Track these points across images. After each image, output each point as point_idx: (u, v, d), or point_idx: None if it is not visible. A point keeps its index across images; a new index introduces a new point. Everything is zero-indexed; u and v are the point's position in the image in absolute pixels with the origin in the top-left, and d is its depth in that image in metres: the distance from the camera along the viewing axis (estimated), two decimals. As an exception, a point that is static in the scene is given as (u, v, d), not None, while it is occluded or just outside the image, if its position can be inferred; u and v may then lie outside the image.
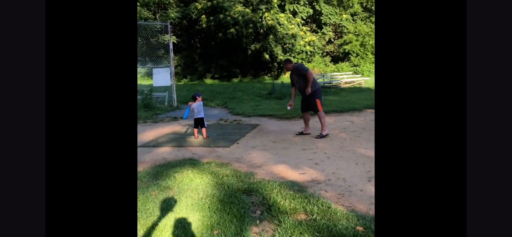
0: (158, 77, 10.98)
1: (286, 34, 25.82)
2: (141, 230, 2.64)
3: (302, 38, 27.11)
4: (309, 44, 27.32)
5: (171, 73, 11.05)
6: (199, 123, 6.34)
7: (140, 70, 24.01)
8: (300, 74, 6.43)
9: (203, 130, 6.37)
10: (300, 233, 2.55)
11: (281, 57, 25.95)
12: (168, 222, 2.76)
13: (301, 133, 6.60)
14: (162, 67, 11.51)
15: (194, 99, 6.38)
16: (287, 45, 26.69)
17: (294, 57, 27.57)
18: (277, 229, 2.65)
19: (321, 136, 6.23)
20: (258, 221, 2.80)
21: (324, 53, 30.01)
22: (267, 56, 24.92)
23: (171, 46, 11.14)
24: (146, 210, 3.00)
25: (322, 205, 3.01)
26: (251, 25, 24.08)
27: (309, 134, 6.53)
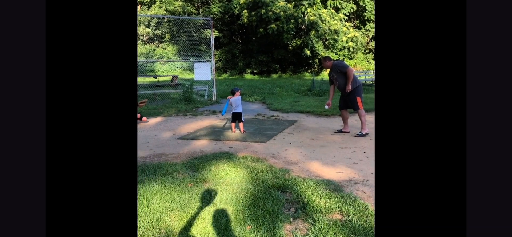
0: (199, 71, 11.18)
1: (328, 30, 25.33)
2: (175, 221, 2.69)
3: (345, 34, 26.46)
4: (351, 40, 26.63)
5: (211, 68, 11.21)
6: (236, 117, 6.37)
7: (182, 64, 24.68)
8: (340, 72, 6.24)
9: (241, 124, 6.39)
10: (335, 233, 2.47)
11: (322, 54, 25.53)
12: (202, 214, 2.78)
13: (339, 131, 6.44)
14: (203, 61, 11.70)
15: (233, 94, 6.42)
16: (329, 41, 26.19)
17: (335, 54, 27.02)
18: (311, 228, 2.59)
19: (360, 135, 6.04)
20: (291, 219, 2.75)
21: (367, 50, 29.14)
22: (308, 52, 24.62)
23: (212, 41, 11.29)
24: (181, 201, 3.05)
25: (359, 206, 2.90)
26: (292, 21, 23.89)
27: (348, 132, 6.35)
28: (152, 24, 28.17)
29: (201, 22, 23.37)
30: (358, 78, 6.60)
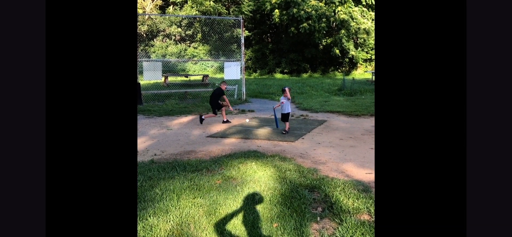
0: (229, 71, 11.30)
1: (359, 28, 24.83)
2: (203, 216, 2.75)
3: (377, 32, 25.80)
4: (384, 39, 25.92)
5: (241, 67, 11.30)
6: (285, 117, 6.35)
7: (213, 63, 25.03)
8: None
9: (286, 124, 6.39)
10: (362, 234, 2.44)
11: (353, 53, 25.05)
12: (229, 211, 2.83)
13: None
14: (233, 61, 11.81)
15: (284, 92, 6.41)
16: (360, 40, 25.66)
17: (367, 53, 26.45)
18: (338, 228, 2.57)
19: (392, 136, 5.90)
20: (318, 218, 2.74)
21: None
22: (337, 51, 24.23)
23: (242, 40, 11.38)
24: (210, 197, 3.11)
25: (388, 208, 2.84)
26: (324, 20, 23.59)
27: None
28: (183, 24, 28.75)
29: (231, 21, 23.57)
30: None
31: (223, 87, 7.90)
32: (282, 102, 6.37)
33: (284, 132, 6.29)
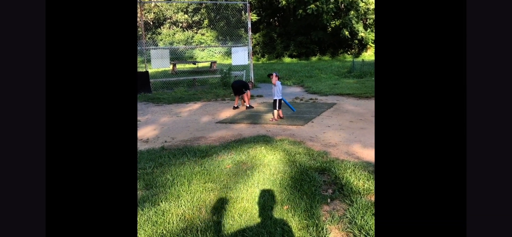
0: (236, 56, 11.25)
1: (368, 9, 24.39)
2: (214, 200, 2.78)
3: (387, 12, 25.33)
4: (394, 19, 25.45)
5: (249, 52, 11.24)
6: (274, 104, 6.29)
7: (220, 49, 24.95)
8: None
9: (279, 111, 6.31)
10: (373, 214, 2.43)
11: (362, 34, 24.68)
12: (239, 195, 2.85)
13: None
14: (240, 46, 11.74)
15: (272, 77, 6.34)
16: (369, 20, 25.23)
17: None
18: (348, 209, 2.57)
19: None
20: (329, 200, 2.75)
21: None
22: (346, 33, 23.89)
23: (249, 25, 11.29)
24: (220, 181, 3.14)
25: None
26: (332, 0, 23.22)
27: None
28: (190, 11, 28.61)
29: (238, 6, 23.37)
30: None
31: (251, 86, 8.02)
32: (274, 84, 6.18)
33: (270, 120, 6.09)
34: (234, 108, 7.53)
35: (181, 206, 2.71)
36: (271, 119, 6.16)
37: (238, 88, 7.67)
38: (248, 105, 7.50)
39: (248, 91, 7.64)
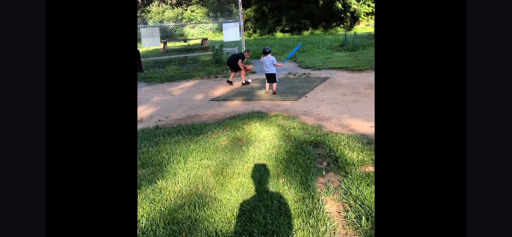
0: (228, 32, 11.13)
1: (361, -20, 24.09)
2: (211, 177, 2.81)
3: (379, -17, 25.03)
4: (386, -10, 25.19)
5: (240, 28, 11.11)
6: (270, 77, 6.33)
7: (211, 26, 24.59)
8: None
9: (274, 84, 6.35)
10: (367, 184, 2.48)
11: (355, 7, 24.45)
12: (236, 170, 2.88)
13: None
14: (231, 22, 11.58)
15: (265, 53, 6.39)
16: (362, -8, 24.95)
17: (368, 6, 25.81)
18: (343, 180, 2.62)
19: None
20: (324, 172, 2.79)
21: None
22: (339, 5, 23.64)
23: (239, 0, 11.11)
24: (216, 158, 3.16)
25: (393, 159, 2.88)
26: (323, -27, 22.86)
27: None
28: (179, -13, 28.03)
29: (228, -19, 22.94)
30: None
31: (246, 55, 8.08)
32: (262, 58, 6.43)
33: (271, 92, 6.31)
34: (228, 82, 7.52)
35: (178, 183, 2.73)
36: (266, 92, 6.34)
37: (233, 63, 7.64)
38: (244, 81, 7.48)
39: (246, 65, 7.65)
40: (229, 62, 7.86)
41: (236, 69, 7.62)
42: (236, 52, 11.36)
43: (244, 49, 11.25)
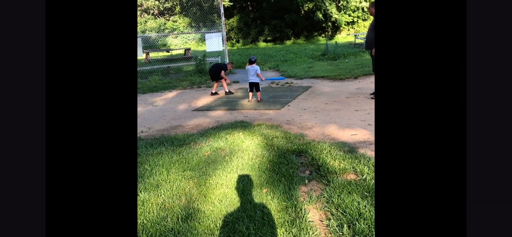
0: (211, 42, 11.15)
1: (341, -10, 24.59)
2: (194, 188, 2.79)
3: (358, -7, 25.63)
4: (365, 0, 25.81)
5: (223, 38, 11.15)
6: (253, 86, 6.39)
7: (194, 36, 24.58)
8: (374, 26, 5.90)
9: (258, 93, 6.42)
10: (349, 192, 2.52)
11: (336, 16, 24.90)
12: (219, 181, 2.87)
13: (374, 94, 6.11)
14: (214, 32, 11.61)
15: (251, 62, 6.46)
16: (342, 2, 25.47)
17: (349, 15, 26.34)
18: (325, 188, 2.65)
19: (376, 97, 5.96)
20: (306, 181, 2.82)
21: (382, 9, 28.18)
22: (320, 15, 24.04)
23: (222, 10, 11.17)
24: (199, 169, 3.15)
25: (373, 165, 2.93)
26: (304, -17, 23.24)
27: None
28: (161, -3, 27.96)
29: (210, -9, 23.05)
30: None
31: (230, 67, 8.15)
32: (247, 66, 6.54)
33: (255, 100, 6.44)
34: (212, 94, 7.50)
35: (160, 195, 2.71)
36: (249, 101, 6.46)
37: (215, 73, 7.63)
38: (227, 91, 7.48)
39: (225, 77, 7.65)
40: (211, 71, 7.83)
41: (217, 78, 7.61)
42: (219, 62, 11.39)
43: (227, 59, 11.30)
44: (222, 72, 7.56)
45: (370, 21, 27.84)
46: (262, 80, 6.52)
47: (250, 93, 6.46)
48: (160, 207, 2.54)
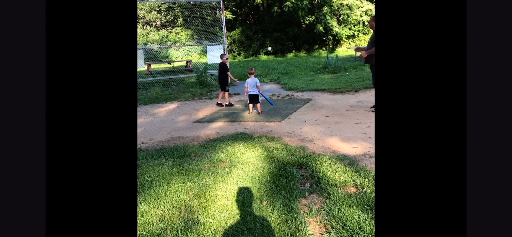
0: (212, 55, 11.22)
1: (341, 4, 24.82)
2: (194, 200, 2.79)
3: (359, 7, 25.86)
4: (366, 14, 26.02)
5: (224, 50, 11.22)
6: (253, 98, 6.42)
7: (196, 48, 24.74)
8: (373, 40, 5.97)
9: (258, 105, 6.44)
10: (349, 205, 2.51)
11: (337, 29, 25.08)
12: (219, 193, 2.87)
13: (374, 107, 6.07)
14: (216, 44, 11.70)
15: (250, 74, 6.52)
16: (342, 16, 25.68)
17: (350, 29, 26.52)
18: (325, 201, 2.64)
19: (376, 110, 5.97)
20: (307, 194, 2.81)
21: (383, 23, 28.38)
22: (321, 28, 24.22)
23: (223, 23, 11.26)
24: (199, 180, 3.14)
25: (373, 179, 2.93)
26: (306, -3, 23.47)
27: None
28: (163, 9, 28.23)
29: (212, 4, 23.28)
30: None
31: (224, 59, 7.94)
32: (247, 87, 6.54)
33: (256, 112, 6.50)
34: (217, 104, 7.54)
35: (160, 206, 2.70)
36: (249, 113, 6.50)
37: (223, 79, 7.66)
38: (227, 103, 7.51)
39: (228, 72, 7.68)
40: (219, 80, 7.86)
41: (225, 83, 7.66)
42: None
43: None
44: (228, 73, 7.66)
45: (370, 35, 27.98)
46: (260, 92, 6.56)
47: (251, 105, 6.49)
48: (159, 218, 2.54)
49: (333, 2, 24.49)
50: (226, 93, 7.63)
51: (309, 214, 2.48)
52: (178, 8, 27.77)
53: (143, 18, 28.38)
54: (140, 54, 11.12)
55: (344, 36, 26.13)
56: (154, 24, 28.64)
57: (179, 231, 2.35)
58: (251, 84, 6.40)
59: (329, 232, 2.25)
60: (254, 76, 6.54)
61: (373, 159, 3.59)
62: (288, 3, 23.12)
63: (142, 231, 2.38)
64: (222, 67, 7.76)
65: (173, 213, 2.60)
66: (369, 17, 26.33)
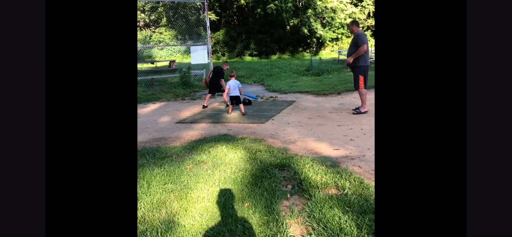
0: (196, 55, 11.14)
1: (326, 7, 25.08)
2: (175, 201, 2.75)
3: (343, 11, 26.17)
4: (350, 17, 26.37)
5: (208, 51, 11.16)
6: (234, 100, 6.47)
7: (180, 48, 24.53)
8: (355, 42, 5.95)
9: (241, 106, 6.47)
10: (330, 207, 2.53)
11: (321, 32, 25.32)
12: (201, 194, 2.84)
13: (357, 111, 6.08)
14: (200, 45, 11.63)
15: (231, 77, 6.56)
16: (327, 19, 25.95)
17: (333, 32, 26.81)
18: (307, 203, 2.65)
19: (358, 112, 6.07)
20: (288, 195, 2.81)
21: (365, 27, 28.87)
22: (305, 31, 24.41)
23: (207, 24, 11.21)
24: (180, 182, 3.11)
25: (355, 180, 2.96)
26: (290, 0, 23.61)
27: (366, 112, 6.04)
28: (147, 9, 27.92)
29: (197, 4, 23.13)
30: (368, 58, 6.21)
31: (225, 67, 7.81)
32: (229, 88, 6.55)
33: (239, 114, 6.49)
34: (204, 107, 7.41)
35: (140, 208, 2.66)
36: (229, 112, 6.55)
37: (216, 83, 7.56)
38: (205, 104, 7.46)
39: (224, 84, 7.55)
40: (210, 82, 7.74)
41: (216, 90, 7.59)
42: (204, 75, 11.37)
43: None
44: (222, 80, 7.55)
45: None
46: (241, 94, 6.58)
47: (231, 106, 6.59)
48: (139, 220, 2.49)
49: (317, 5, 24.73)
50: (208, 95, 7.61)
51: (291, 215, 2.49)
52: (162, 8, 27.50)
53: (126, 17, 27.96)
54: (122, 54, 10.93)
55: (328, 39, 26.41)
56: (137, 23, 28.27)
57: (159, 233, 2.31)
58: (233, 86, 6.43)
59: (310, 234, 2.26)
60: (235, 79, 6.60)
61: (355, 161, 3.63)
62: (271, 5, 23.21)
63: (121, 234, 2.33)
64: (218, 71, 7.67)
65: (153, 215, 2.56)
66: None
